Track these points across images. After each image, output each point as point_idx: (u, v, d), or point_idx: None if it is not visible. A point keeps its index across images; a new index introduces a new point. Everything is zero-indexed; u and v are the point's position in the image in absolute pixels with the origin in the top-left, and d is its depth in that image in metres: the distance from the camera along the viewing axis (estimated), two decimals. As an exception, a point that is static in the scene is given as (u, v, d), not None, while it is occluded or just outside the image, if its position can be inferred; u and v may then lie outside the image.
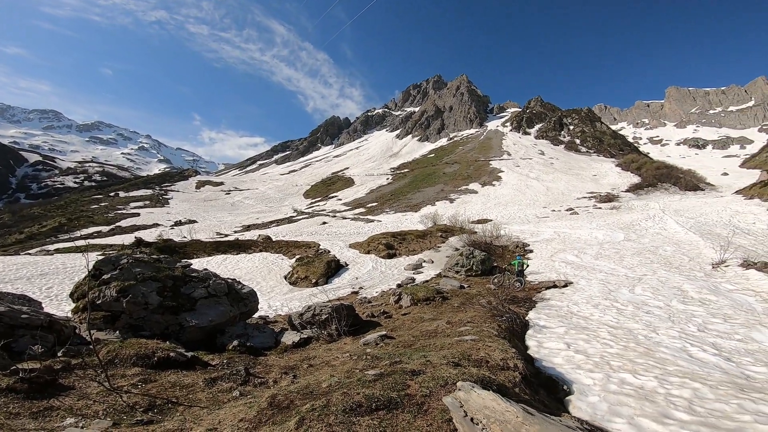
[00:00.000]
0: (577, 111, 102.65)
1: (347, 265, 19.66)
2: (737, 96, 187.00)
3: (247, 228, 43.62)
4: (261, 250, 23.04)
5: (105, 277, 6.23)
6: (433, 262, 19.29)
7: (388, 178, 79.23)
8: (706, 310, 9.44)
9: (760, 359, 6.32)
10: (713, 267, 14.11)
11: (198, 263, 19.40)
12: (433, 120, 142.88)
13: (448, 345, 5.68)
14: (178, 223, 49.55)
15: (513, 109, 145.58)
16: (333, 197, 69.16)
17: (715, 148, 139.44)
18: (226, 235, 36.68)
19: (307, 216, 50.33)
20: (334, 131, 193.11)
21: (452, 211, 36.84)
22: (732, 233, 19.94)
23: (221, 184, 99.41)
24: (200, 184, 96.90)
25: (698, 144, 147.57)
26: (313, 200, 70.27)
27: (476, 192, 53.93)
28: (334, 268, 18.76)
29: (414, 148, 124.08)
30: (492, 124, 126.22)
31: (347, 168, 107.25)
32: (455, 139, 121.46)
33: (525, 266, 13.62)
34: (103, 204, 72.49)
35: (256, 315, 9.67)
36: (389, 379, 3.89)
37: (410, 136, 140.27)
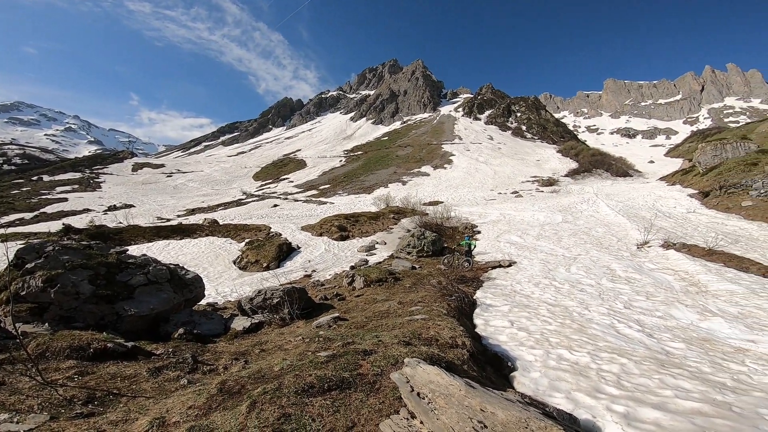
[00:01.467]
0: (525, 99, 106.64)
1: (299, 247, 19.39)
2: (667, 90, 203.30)
3: (192, 212, 41.42)
4: (207, 235, 22.04)
5: (29, 266, 5.68)
6: (385, 243, 19.52)
7: (341, 161, 78.27)
8: (632, 288, 10.11)
9: (677, 335, 6.84)
10: (638, 247, 15.30)
11: (136, 250, 18.22)
12: (388, 103, 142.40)
13: (400, 325, 5.79)
14: (113, 208, 45.90)
15: (465, 95, 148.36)
16: (284, 179, 67.30)
17: (644, 137, 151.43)
18: (168, 220, 34.63)
19: (257, 198, 48.66)
20: (286, 113, 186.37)
21: (405, 193, 37.30)
22: (655, 216, 21.75)
23: (162, 166, 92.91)
24: (137, 167, 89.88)
25: (629, 133, 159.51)
26: (264, 182, 67.95)
27: (428, 174, 54.86)
28: (286, 251, 18.42)
29: (368, 131, 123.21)
30: (445, 109, 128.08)
31: (299, 150, 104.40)
32: (409, 122, 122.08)
33: (473, 247, 14.16)
34: (25, 189, 65.23)
35: (203, 302, 9.33)
36: (342, 359, 3.93)
37: (364, 118, 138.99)
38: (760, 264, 12.21)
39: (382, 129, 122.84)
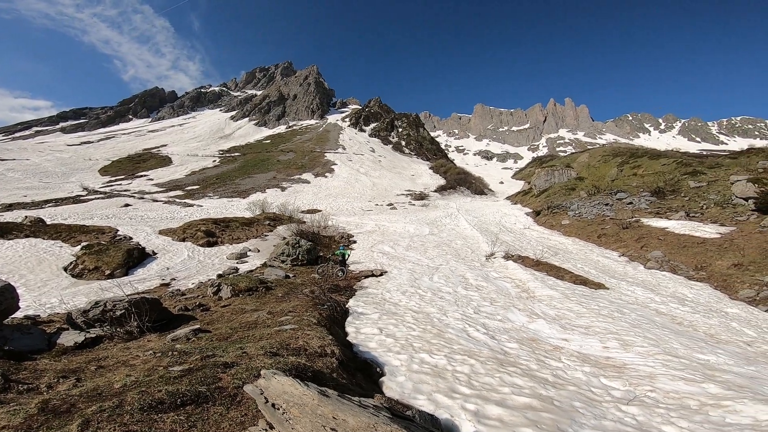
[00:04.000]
0: (407, 116, 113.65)
1: (156, 254, 17.20)
2: (519, 118, 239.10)
3: (8, 207, 33.20)
4: (28, 236, 17.92)
5: None
6: (259, 251, 18.70)
7: (214, 161, 72.09)
8: (480, 294, 11.44)
9: (513, 336, 7.91)
10: (486, 258, 17.48)
11: None
12: (275, 106, 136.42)
13: (268, 335, 5.68)
14: None
15: (354, 106, 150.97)
16: (142, 176, 58.86)
17: (498, 160, 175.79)
18: (-29, 216, 27.13)
19: (102, 196, 41.47)
20: (154, 104, 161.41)
21: (283, 200, 36.21)
22: (500, 231, 25.20)
23: (-33, 149, 72.25)
24: (-72, 148, 68.11)
25: (488, 156, 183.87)
26: (114, 178, 58.29)
27: (309, 182, 54.37)
28: (138, 257, 16.13)
29: (249, 132, 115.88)
30: (332, 118, 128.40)
31: (165, 145, 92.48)
32: (294, 127, 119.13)
33: (347, 256, 14.58)
34: None
35: (19, 314, 7.63)
36: (199, 373, 3.74)
37: (247, 119, 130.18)
38: (572, 273, 15.16)
39: (266, 131, 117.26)
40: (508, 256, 17.52)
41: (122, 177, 58.89)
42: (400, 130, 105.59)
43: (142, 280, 13.59)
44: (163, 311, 7.18)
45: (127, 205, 35.70)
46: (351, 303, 9.84)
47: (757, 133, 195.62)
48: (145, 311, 6.43)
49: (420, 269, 15.04)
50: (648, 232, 21.25)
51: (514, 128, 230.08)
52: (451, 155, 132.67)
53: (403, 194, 49.74)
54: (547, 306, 10.59)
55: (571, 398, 5.07)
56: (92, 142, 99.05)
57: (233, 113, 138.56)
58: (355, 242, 21.99)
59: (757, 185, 21.41)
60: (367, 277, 13.73)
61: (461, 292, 11.73)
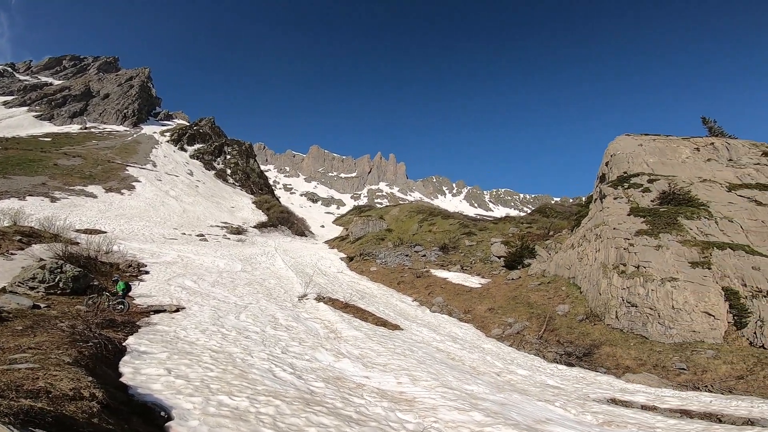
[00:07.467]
0: (240, 143, 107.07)
1: None
2: (349, 166, 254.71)
3: None
4: None
5: None
6: (-5, 273, 13.99)
7: (-54, 148, 52.14)
8: (289, 334, 11.51)
9: (320, 376, 8.11)
10: (299, 299, 17.77)
11: None
12: (74, 101, 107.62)
13: None
14: None
15: (180, 121, 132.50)
16: None
17: (323, 204, 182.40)
18: None
19: None
20: None
21: (50, 213, 28.42)
22: (315, 273, 26.10)
23: None
24: None
25: (314, 198, 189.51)
26: None
27: (95, 197, 44.41)
28: None
29: (23, 124, 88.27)
30: (149, 129, 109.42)
31: None
32: (93, 130, 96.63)
33: (123, 288, 12.57)
34: None
35: None
36: None
37: (26, 108, 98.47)
38: (375, 315, 16.79)
39: (49, 128, 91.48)
40: (320, 298, 18.15)
41: None
42: (229, 157, 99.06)
43: None
44: None
45: None
46: (131, 340, 8.63)
47: (513, 204, 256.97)
48: None
49: (226, 307, 14.18)
50: (434, 281, 25.36)
51: (343, 175, 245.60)
52: (278, 192, 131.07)
53: (218, 226, 45.96)
54: (353, 346, 11.39)
55: (372, 435, 5.38)
56: None
57: (9, 98, 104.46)
58: (147, 273, 18.93)
59: (506, 246, 28.56)
60: (157, 312, 12.20)
61: (270, 332, 11.51)
